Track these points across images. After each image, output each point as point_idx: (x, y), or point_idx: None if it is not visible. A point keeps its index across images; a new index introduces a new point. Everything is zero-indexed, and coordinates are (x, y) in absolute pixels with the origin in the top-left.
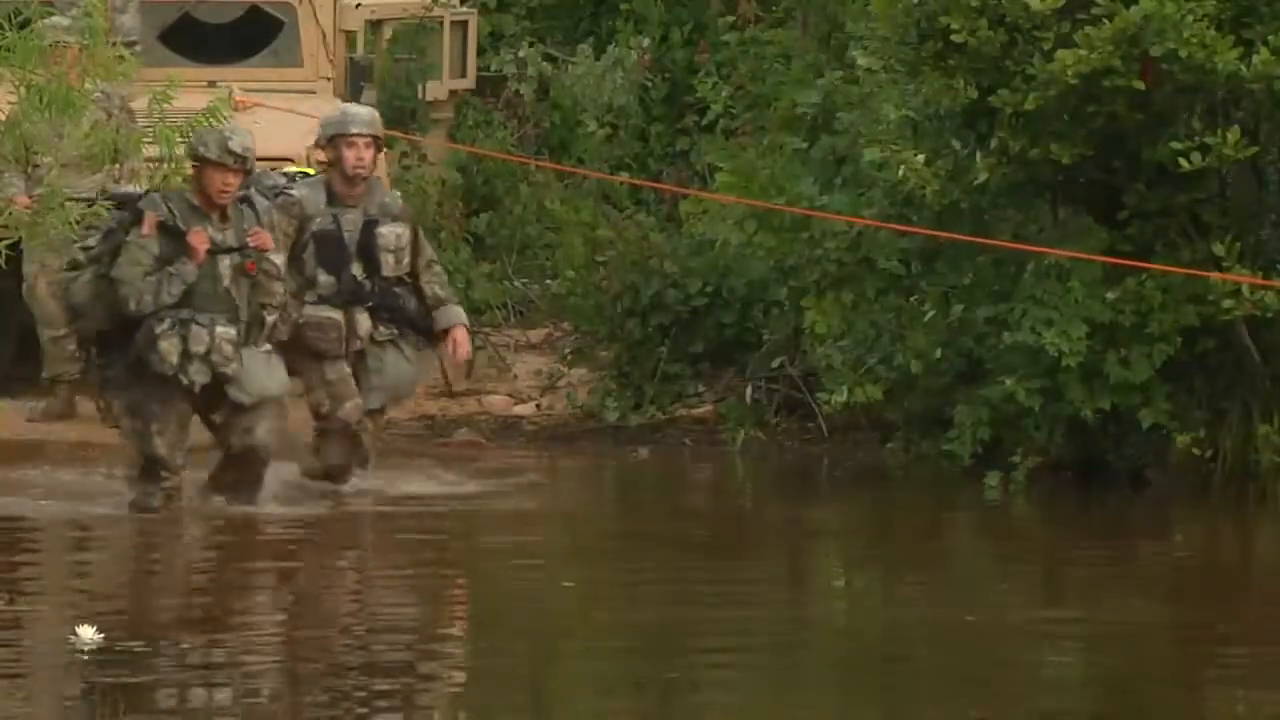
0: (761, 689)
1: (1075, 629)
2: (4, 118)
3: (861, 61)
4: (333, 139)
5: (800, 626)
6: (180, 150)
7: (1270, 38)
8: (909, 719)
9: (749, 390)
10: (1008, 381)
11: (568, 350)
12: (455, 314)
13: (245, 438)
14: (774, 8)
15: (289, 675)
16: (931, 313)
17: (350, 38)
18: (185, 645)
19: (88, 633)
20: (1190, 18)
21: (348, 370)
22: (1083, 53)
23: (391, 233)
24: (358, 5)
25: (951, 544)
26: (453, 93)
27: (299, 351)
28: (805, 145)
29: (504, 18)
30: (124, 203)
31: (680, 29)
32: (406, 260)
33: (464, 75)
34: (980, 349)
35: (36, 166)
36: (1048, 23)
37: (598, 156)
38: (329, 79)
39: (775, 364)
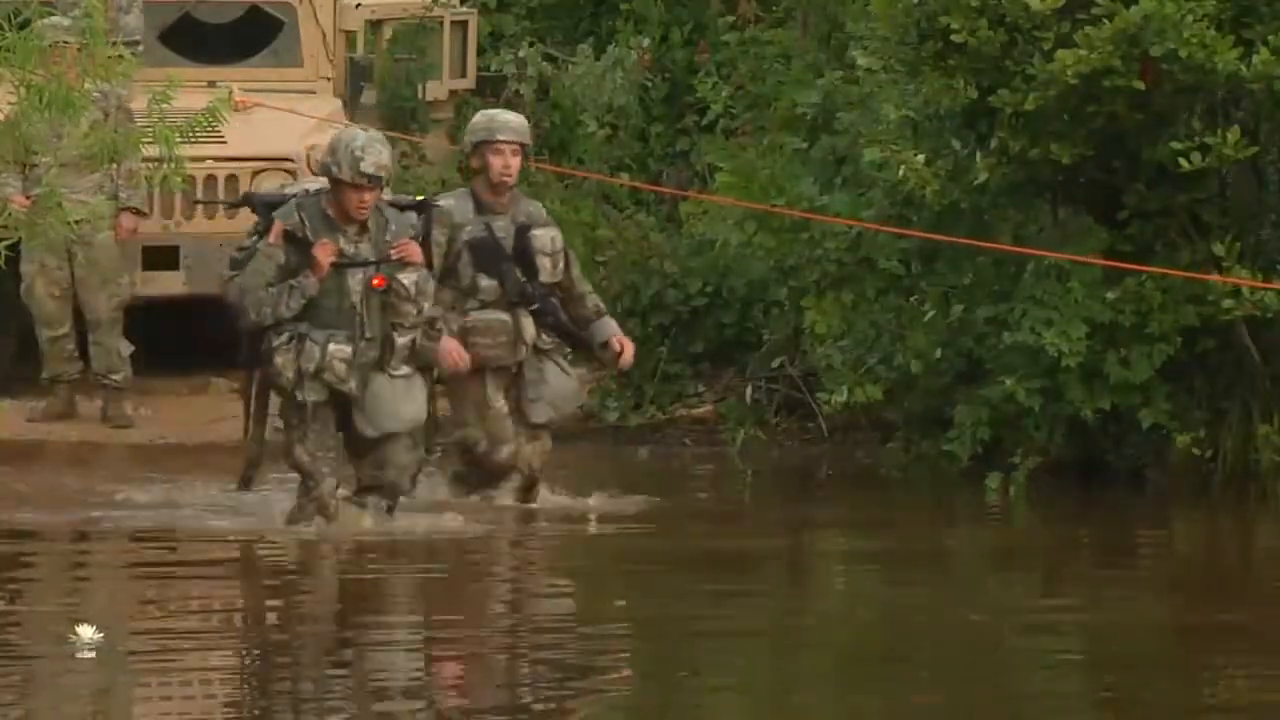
0: (760, 688)
1: (1075, 628)
2: (2, 118)
3: (861, 61)
4: (478, 146)
5: (801, 626)
6: (180, 150)
7: (1270, 38)
8: (910, 718)
9: (749, 390)
10: (1008, 381)
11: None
12: (613, 325)
13: (375, 473)
14: (774, 8)
15: None
16: (931, 313)
17: (350, 38)
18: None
19: (86, 632)
20: (1190, 18)
21: (506, 409)
22: (1083, 53)
23: (547, 235)
24: (358, 5)
25: (952, 544)
26: (453, 93)
27: (457, 382)
28: (805, 145)
29: (504, 18)
30: (270, 206)
31: (680, 29)
32: (561, 266)
33: (464, 75)
34: (980, 349)
35: (34, 166)
36: (1048, 23)
37: (598, 157)
38: (329, 79)
39: (775, 364)
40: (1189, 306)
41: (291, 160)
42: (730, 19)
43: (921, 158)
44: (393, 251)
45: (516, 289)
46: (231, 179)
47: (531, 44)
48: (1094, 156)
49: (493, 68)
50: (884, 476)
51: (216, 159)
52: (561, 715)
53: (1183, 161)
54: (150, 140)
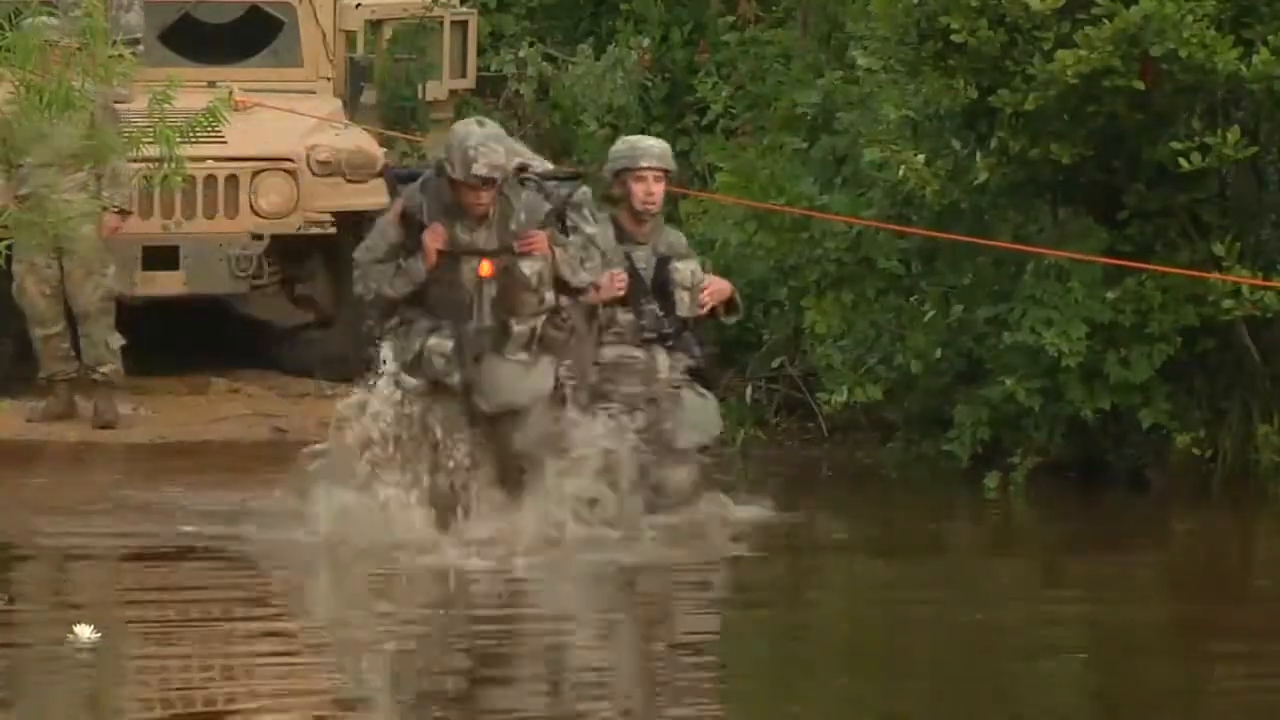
0: (760, 688)
1: (1075, 629)
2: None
3: (861, 61)
4: (620, 173)
5: (802, 626)
6: (180, 150)
7: (1270, 38)
8: (910, 717)
9: (749, 390)
10: (1008, 381)
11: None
12: None
13: (505, 446)
14: (774, 8)
15: None
16: (931, 313)
17: (350, 38)
18: None
19: (84, 631)
20: (1190, 18)
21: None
22: (1083, 53)
23: (687, 269)
24: (358, 5)
25: (952, 543)
26: (453, 93)
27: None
28: (805, 145)
29: (504, 18)
30: (405, 182)
31: (680, 29)
32: (702, 298)
33: (464, 75)
34: (980, 349)
35: (19, 166)
36: (1048, 23)
37: (598, 157)
38: (329, 79)
39: (775, 364)
40: (1189, 306)
41: (291, 160)
42: (730, 19)
43: (921, 158)
44: (517, 244)
45: (654, 325)
46: (231, 179)
47: (531, 44)
48: (1094, 156)
49: (493, 68)
50: (884, 476)
51: (216, 159)
52: None
53: (1183, 161)
54: (150, 140)
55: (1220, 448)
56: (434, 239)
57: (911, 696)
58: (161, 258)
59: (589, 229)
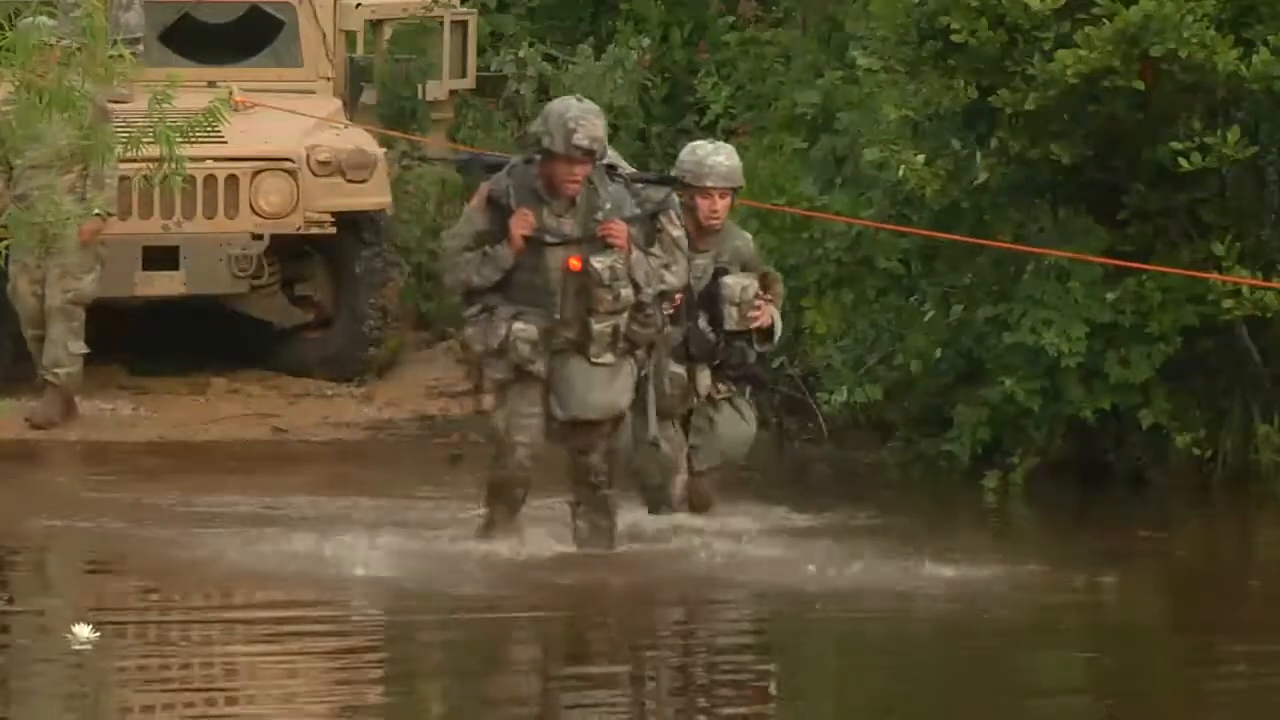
0: (760, 689)
1: (1074, 628)
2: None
3: (861, 61)
4: (685, 187)
5: (802, 626)
6: (180, 150)
7: (1270, 38)
8: (911, 716)
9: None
10: (1007, 382)
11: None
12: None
13: (578, 458)
14: (774, 8)
15: None
16: (931, 313)
17: (350, 38)
18: None
19: (84, 631)
20: (1190, 18)
21: (681, 438)
22: (1083, 53)
23: (738, 285)
24: (358, 5)
25: (952, 543)
26: (453, 93)
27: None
28: (805, 145)
29: (504, 18)
30: (490, 169)
31: (680, 29)
32: (752, 313)
33: (464, 75)
34: (980, 349)
35: (13, 167)
36: (1048, 23)
37: None
38: (329, 79)
39: (775, 364)
40: (1189, 306)
41: (291, 160)
42: (730, 19)
43: (921, 158)
44: (601, 231)
45: (700, 344)
46: (231, 179)
47: (531, 44)
48: (1094, 156)
49: (493, 68)
50: (884, 476)
51: (216, 159)
52: None
53: (1183, 161)
54: (151, 140)
55: (1220, 448)
56: (521, 224)
57: (911, 694)
58: (161, 258)
59: (675, 232)
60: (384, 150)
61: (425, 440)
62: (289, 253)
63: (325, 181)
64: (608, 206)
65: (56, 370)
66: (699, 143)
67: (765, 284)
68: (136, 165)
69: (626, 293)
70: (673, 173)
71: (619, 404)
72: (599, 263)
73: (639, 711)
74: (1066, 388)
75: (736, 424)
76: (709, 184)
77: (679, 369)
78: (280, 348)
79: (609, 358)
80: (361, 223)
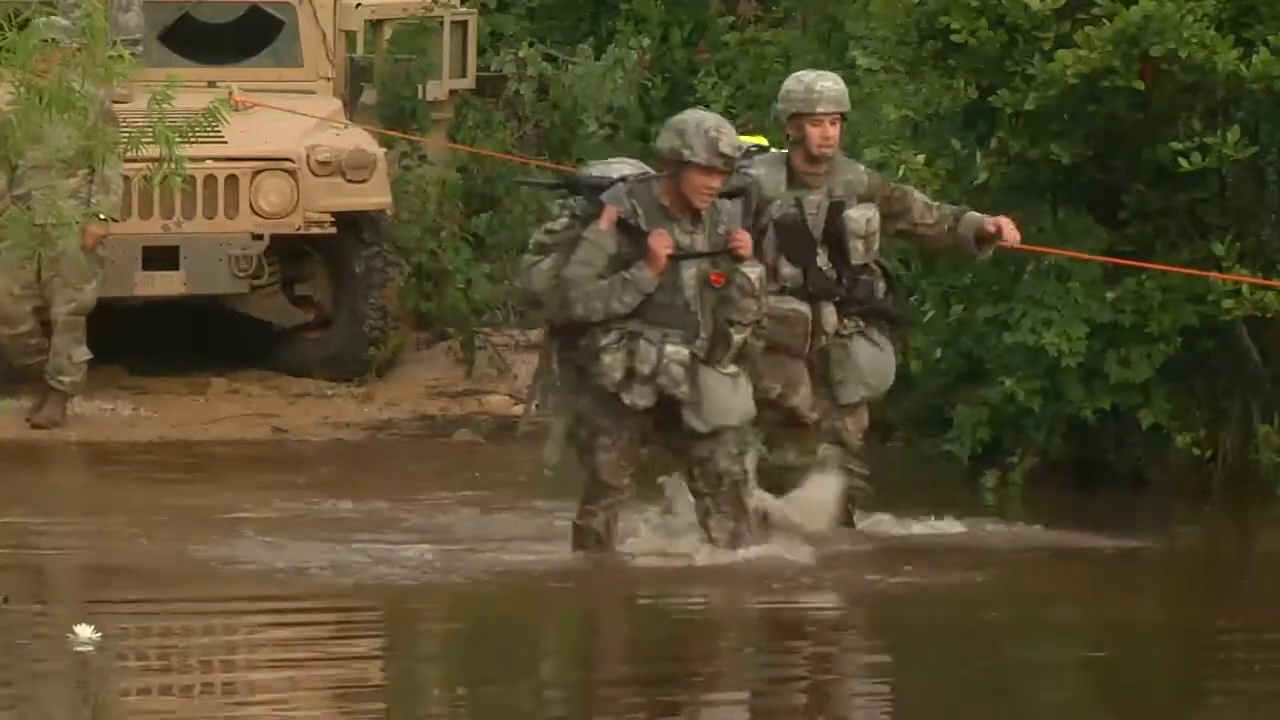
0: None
1: (1074, 628)
2: None
3: (861, 61)
4: (794, 117)
5: (803, 625)
6: (180, 150)
7: (1270, 38)
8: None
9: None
10: (1007, 382)
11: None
12: (975, 214)
13: (703, 466)
14: (774, 8)
15: None
16: (931, 313)
17: (350, 38)
18: None
19: (85, 631)
20: (1190, 18)
21: (804, 371)
22: (1083, 53)
23: (862, 217)
24: (358, 5)
25: (952, 543)
26: (453, 93)
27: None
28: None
29: (504, 18)
30: (596, 189)
31: (680, 29)
32: (877, 245)
33: (464, 75)
34: (980, 349)
35: (15, 167)
36: (1048, 23)
37: (598, 157)
38: (329, 79)
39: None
40: (1189, 306)
41: (291, 160)
42: (730, 19)
43: (921, 158)
44: (732, 244)
45: (820, 282)
46: (231, 179)
47: (531, 44)
48: (1094, 156)
49: (493, 68)
50: (884, 476)
51: (216, 159)
52: None
53: (1183, 161)
54: (150, 140)
55: (1220, 448)
56: (662, 244)
57: (910, 693)
58: (161, 258)
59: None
60: (384, 150)
61: (425, 439)
62: (289, 253)
63: (325, 181)
64: (725, 219)
65: (61, 378)
66: (803, 72)
67: (892, 193)
68: (136, 165)
69: (766, 301)
70: (779, 108)
71: (749, 408)
72: (750, 271)
73: None
74: (1066, 388)
75: (874, 353)
76: (819, 110)
77: (801, 307)
78: (280, 348)
79: (734, 368)
80: (361, 223)
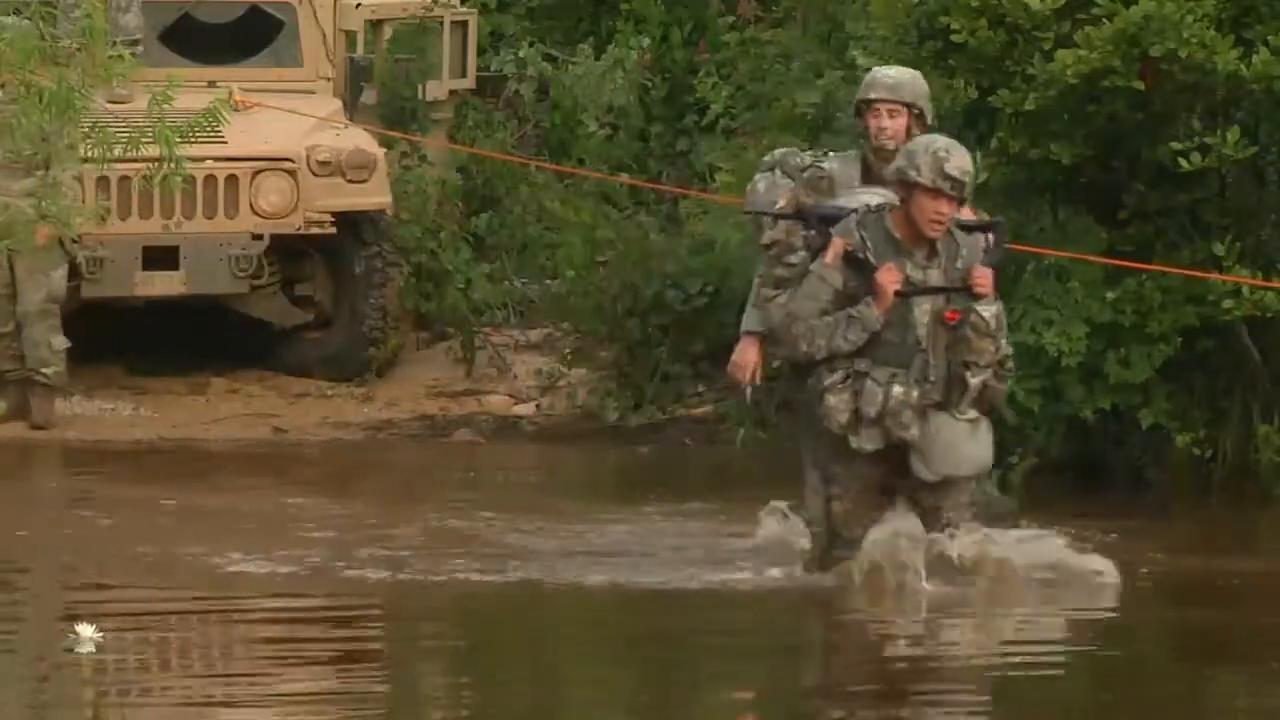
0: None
1: (1074, 628)
2: None
3: (861, 61)
4: (857, 105)
5: (803, 625)
6: (180, 150)
7: (1270, 38)
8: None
9: (749, 390)
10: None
11: (568, 350)
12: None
13: (932, 513)
14: (774, 8)
15: None
16: None
17: (350, 38)
18: None
19: (86, 631)
20: (1190, 18)
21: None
22: (1083, 53)
23: None
24: (358, 5)
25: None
26: (453, 93)
27: None
28: (805, 145)
29: (504, 18)
30: (827, 221)
31: (680, 29)
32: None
33: (464, 75)
34: None
35: None
36: (1048, 23)
37: (598, 157)
38: (329, 79)
39: (775, 364)
40: (1189, 306)
41: (291, 160)
42: (730, 19)
43: None
44: (973, 282)
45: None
46: (231, 179)
47: (531, 44)
48: (1094, 156)
49: (493, 68)
50: None
51: (216, 159)
52: None
53: (1183, 161)
54: (150, 140)
55: (1220, 448)
56: (891, 279)
57: (910, 693)
58: (161, 258)
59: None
60: (384, 150)
61: (425, 439)
62: (289, 253)
63: (325, 181)
64: (964, 253)
65: (44, 370)
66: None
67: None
68: (136, 165)
69: (1004, 343)
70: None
71: (986, 460)
72: (986, 310)
73: None
74: (1066, 388)
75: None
76: (871, 96)
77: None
78: (280, 348)
79: (972, 414)
80: (361, 223)
